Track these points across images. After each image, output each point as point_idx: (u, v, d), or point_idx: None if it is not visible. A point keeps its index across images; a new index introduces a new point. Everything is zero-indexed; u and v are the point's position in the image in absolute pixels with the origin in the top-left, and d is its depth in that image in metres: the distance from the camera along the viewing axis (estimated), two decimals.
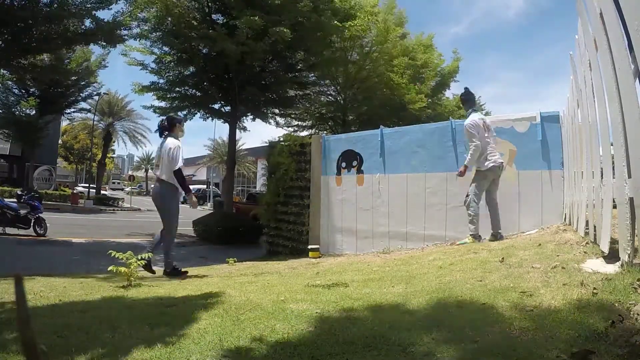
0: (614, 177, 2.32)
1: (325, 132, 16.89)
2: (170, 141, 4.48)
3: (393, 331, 1.92)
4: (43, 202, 12.15)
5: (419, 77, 16.48)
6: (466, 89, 5.08)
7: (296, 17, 10.12)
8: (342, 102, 16.62)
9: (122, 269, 4.18)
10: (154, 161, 4.63)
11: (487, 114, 24.88)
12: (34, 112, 20.69)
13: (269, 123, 14.58)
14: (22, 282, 0.54)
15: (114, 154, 54.34)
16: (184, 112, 12.99)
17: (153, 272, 4.74)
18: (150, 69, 11.98)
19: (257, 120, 14.34)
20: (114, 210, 22.81)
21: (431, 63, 17.25)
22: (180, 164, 4.41)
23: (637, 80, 1.86)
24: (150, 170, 62.62)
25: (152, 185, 5.11)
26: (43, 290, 3.82)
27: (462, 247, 4.52)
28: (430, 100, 17.50)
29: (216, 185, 38.07)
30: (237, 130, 13.40)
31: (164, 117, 4.85)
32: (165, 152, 4.43)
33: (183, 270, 4.82)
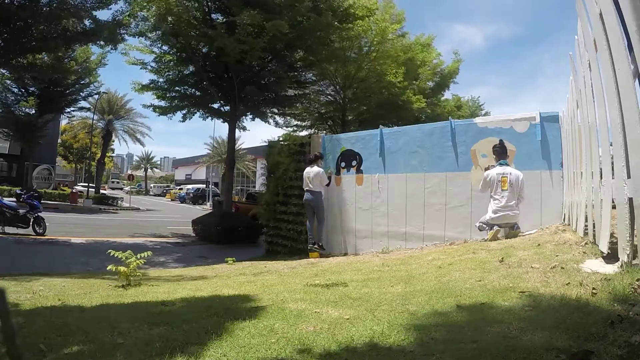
0: (613, 178, 2.32)
1: (324, 131, 16.86)
2: (317, 169, 6.55)
3: (392, 331, 1.93)
4: (42, 201, 12.13)
5: (417, 75, 16.39)
6: (501, 141, 5.15)
7: (295, 17, 10.11)
8: (341, 102, 16.60)
9: (122, 268, 4.18)
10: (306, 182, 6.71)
11: (486, 114, 24.82)
12: (33, 111, 20.64)
13: (269, 123, 14.56)
14: (5, 298, 0.50)
15: (113, 153, 54.23)
16: (184, 111, 12.99)
17: (324, 249, 6.66)
18: (150, 67, 11.96)
19: (257, 120, 14.33)
20: (113, 209, 22.75)
21: (429, 62, 17.20)
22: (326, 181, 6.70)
23: (637, 80, 1.86)
24: (149, 170, 63.31)
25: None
26: (42, 290, 3.82)
27: (461, 247, 4.53)
28: (429, 100, 17.44)
29: (215, 184, 38.07)
30: (237, 130, 13.40)
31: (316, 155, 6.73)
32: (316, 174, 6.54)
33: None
